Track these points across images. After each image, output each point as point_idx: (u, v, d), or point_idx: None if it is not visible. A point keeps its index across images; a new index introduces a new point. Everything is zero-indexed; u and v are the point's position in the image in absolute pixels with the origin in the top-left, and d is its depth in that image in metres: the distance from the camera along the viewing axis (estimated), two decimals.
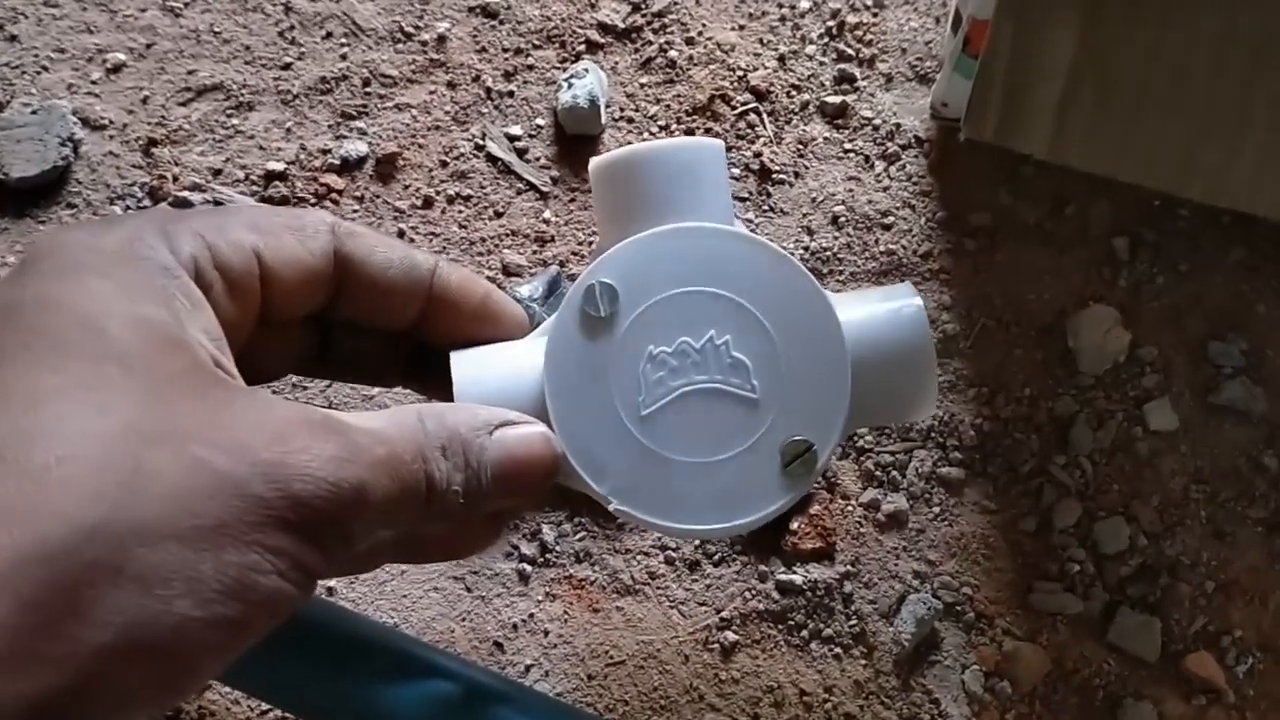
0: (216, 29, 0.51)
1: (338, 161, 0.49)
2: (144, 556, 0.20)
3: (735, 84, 0.50)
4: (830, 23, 0.51)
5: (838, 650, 0.44)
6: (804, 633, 0.44)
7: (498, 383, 0.30)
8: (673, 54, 0.50)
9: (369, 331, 0.32)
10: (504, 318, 0.32)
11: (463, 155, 0.50)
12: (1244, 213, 0.42)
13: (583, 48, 0.51)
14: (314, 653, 0.37)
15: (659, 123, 0.50)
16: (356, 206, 0.49)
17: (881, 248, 0.48)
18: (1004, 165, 0.48)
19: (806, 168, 0.49)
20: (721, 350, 0.30)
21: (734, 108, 0.50)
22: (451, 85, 0.50)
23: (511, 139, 0.50)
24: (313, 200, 0.49)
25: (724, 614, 0.44)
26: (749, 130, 0.50)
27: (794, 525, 0.44)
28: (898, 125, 0.49)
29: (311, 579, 0.23)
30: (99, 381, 0.22)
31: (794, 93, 0.50)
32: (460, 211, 0.49)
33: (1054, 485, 0.45)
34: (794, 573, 0.44)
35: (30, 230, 0.49)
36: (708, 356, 0.30)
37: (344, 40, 0.51)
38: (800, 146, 0.49)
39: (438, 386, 0.31)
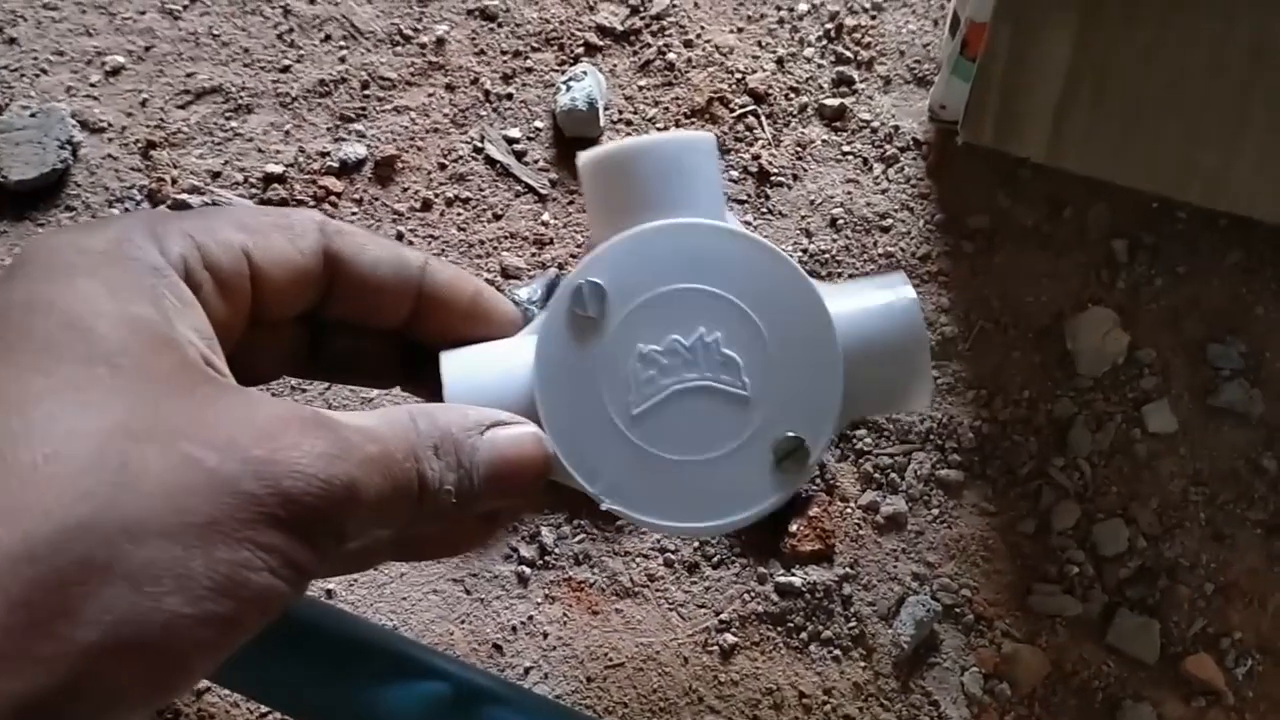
0: (215, 32, 0.51)
1: (336, 164, 0.49)
2: (133, 554, 0.20)
3: (734, 86, 0.50)
4: (828, 25, 0.51)
5: (837, 652, 0.44)
6: (803, 635, 0.44)
7: (488, 382, 0.30)
8: (671, 56, 0.50)
9: (361, 331, 0.32)
10: (495, 316, 0.32)
11: (461, 158, 0.50)
12: (1242, 215, 0.42)
13: (581, 50, 0.51)
14: (312, 655, 0.37)
15: (657, 125, 0.50)
16: (355, 209, 0.49)
17: (880, 250, 0.48)
18: (1002, 168, 0.48)
19: (805, 170, 0.49)
20: (712, 347, 0.30)
21: (732, 110, 0.50)
22: (450, 88, 0.50)
23: (510, 141, 0.50)
24: (311, 203, 0.49)
25: (723, 616, 0.44)
26: (747, 133, 0.49)
27: (793, 527, 0.44)
28: (896, 128, 0.49)
29: (303, 576, 0.23)
30: (88, 382, 0.22)
31: (792, 95, 0.50)
32: (459, 214, 0.49)
33: (1053, 487, 0.45)
34: (793, 575, 0.44)
35: (29, 233, 0.49)
36: (698, 354, 0.30)
37: (343, 43, 0.51)
38: (799, 149, 0.49)
39: (431, 387, 0.31)
